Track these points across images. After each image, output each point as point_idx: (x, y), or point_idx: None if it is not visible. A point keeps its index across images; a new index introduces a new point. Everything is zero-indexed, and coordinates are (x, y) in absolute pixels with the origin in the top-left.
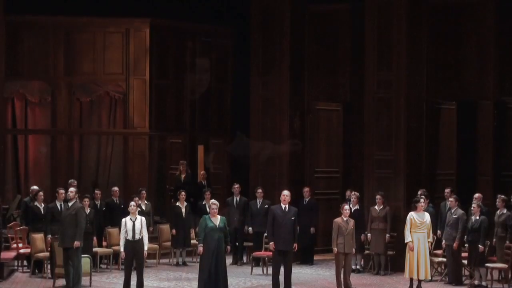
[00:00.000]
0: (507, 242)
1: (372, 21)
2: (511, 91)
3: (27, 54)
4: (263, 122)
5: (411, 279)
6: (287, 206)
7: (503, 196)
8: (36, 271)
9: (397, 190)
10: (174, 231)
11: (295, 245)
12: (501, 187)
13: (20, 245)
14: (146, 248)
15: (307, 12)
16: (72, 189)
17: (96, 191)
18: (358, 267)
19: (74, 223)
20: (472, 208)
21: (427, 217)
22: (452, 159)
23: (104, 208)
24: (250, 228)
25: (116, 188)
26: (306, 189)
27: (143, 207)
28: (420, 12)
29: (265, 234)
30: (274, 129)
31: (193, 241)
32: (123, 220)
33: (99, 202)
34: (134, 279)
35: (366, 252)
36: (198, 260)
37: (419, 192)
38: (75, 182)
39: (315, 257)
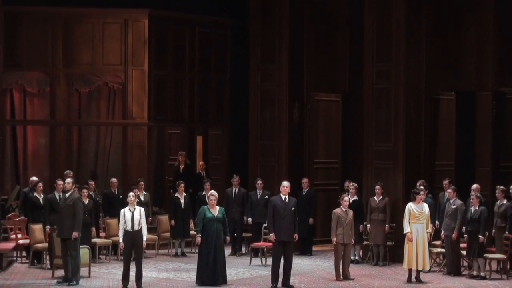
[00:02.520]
0: (506, 232)
1: (371, 12)
2: (510, 81)
3: (25, 45)
4: (262, 113)
5: (410, 270)
6: (287, 197)
7: (502, 187)
8: (35, 261)
9: (396, 180)
10: (173, 221)
11: (295, 235)
12: (500, 177)
13: (19, 235)
14: (145, 238)
15: (306, 2)
16: (69, 180)
17: (89, 182)
18: (357, 257)
19: (72, 214)
20: (471, 199)
21: (425, 208)
22: (451, 150)
23: (98, 198)
24: (250, 219)
25: (114, 179)
26: (304, 180)
27: (142, 198)
28: (419, 2)
29: (264, 225)
30: (273, 120)
31: (192, 232)
32: (122, 211)
33: (93, 193)
34: (133, 269)
35: (365, 242)
36: (197, 250)
37: (418, 183)
38: (71, 173)
39: (314, 248)
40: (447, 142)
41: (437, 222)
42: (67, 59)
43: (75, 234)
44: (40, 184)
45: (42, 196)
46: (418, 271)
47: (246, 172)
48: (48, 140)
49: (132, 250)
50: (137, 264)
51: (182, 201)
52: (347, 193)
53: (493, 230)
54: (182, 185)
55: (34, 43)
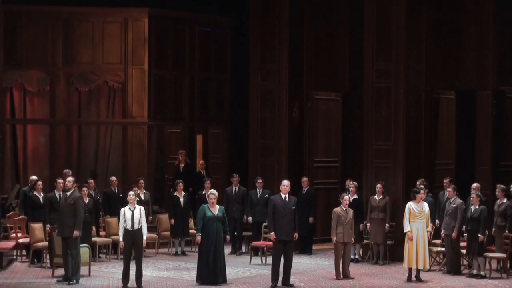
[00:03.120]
0: (506, 231)
1: (371, 11)
2: (510, 80)
3: (25, 44)
4: (262, 112)
5: (410, 269)
6: (287, 196)
7: (502, 186)
8: (35, 260)
9: (396, 179)
10: (173, 220)
11: (296, 234)
12: (500, 176)
13: (19, 234)
14: (145, 237)
15: (306, 2)
16: (70, 178)
17: (89, 181)
18: (357, 256)
19: (73, 213)
20: (471, 198)
21: (426, 207)
22: (451, 148)
23: (98, 197)
24: (250, 218)
25: (114, 178)
26: (304, 179)
27: (142, 197)
28: (419, 2)
29: (265, 224)
30: (273, 119)
31: (192, 231)
32: (122, 209)
33: (93, 191)
34: (133, 268)
35: (365, 241)
36: (197, 249)
37: (418, 182)
38: (70, 172)
39: (314, 247)
40: (447, 141)
41: (437, 221)
42: (67, 58)
43: (76, 233)
44: (40, 183)
45: (42, 195)
46: (418, 270)
47: (246, 171)
48: (48, 139)
49: (132, 249)
50: (137, 263)
51: (181, 200)
52: (347, 192)
53: (493, 229)
54: (181, 184)
55: (34, 43)
